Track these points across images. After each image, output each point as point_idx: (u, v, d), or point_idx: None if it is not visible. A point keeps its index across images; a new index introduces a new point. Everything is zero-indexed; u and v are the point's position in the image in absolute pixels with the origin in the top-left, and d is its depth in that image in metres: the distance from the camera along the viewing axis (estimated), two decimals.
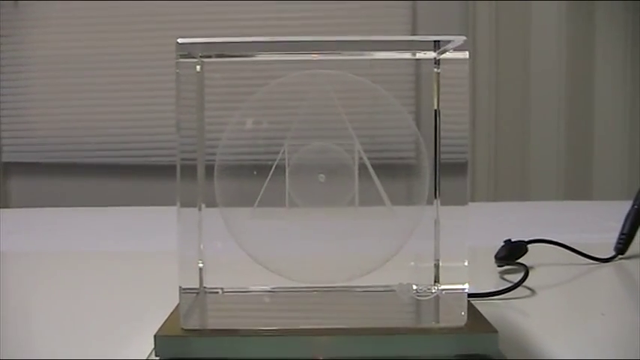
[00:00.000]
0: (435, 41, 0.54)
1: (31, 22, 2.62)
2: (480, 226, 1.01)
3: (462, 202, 0.53)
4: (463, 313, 0.50)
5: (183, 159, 0.52)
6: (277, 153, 0.54)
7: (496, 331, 0.48)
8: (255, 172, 0.54)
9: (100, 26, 2.59)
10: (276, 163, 0.54)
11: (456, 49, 0.53)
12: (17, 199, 2.65)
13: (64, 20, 2.61)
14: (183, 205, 0.52)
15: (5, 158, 2.67)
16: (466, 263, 0.52)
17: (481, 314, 0.52)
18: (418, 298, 0.55)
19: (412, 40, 0.60)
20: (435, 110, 0.56)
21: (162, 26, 2.51)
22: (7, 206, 2.48)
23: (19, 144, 2.67)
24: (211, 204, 0.55)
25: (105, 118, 2.60)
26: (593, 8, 2.51)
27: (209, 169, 0.55)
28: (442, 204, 0.56)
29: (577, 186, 2.56)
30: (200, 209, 0.55)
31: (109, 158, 2.61)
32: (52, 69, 2.62)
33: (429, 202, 0.56)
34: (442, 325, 0.53)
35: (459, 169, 0.53)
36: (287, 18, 2.48)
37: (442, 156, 0.55)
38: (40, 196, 2.55)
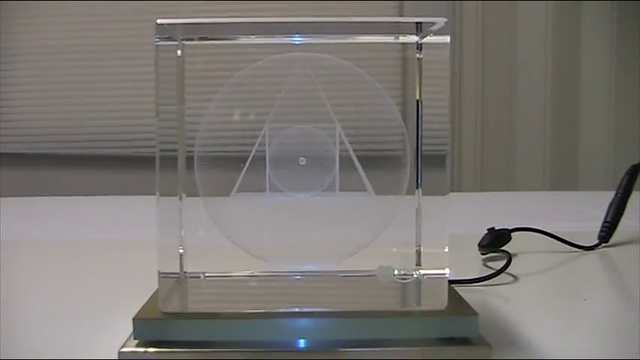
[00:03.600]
0: (417, 24, 0.54)
1: (18, 14, 2.60)
2: (464, 215, 1.01)
3: (443, 193, 0.53)
4: (444, 296, 0.50)
5: (162, 150, 0.52)
6: (257, 136, 0.53)
7: (476, 314, 0.48)
8: (241, 165, 0.54)
9: (85, 17, 2.57)
10: (255, 147, 0.53)
11: (437, 33, 0.53)
12: (3, 189, 2.64)
13: (51, 12, 2.59)
14: (163, 193, 0.52)
15: None
16: (447, 249, 0.52)
17: (462, 298, 0.52)
18: (399, 281, 0.55)
19: (395, 22, 0.59)
20: (417, 100, 0.55)
21: (148, 17, 2.49)
22: None
23: (6, 135, 2.65)
24: (193, 193, 0.55)
25: (91, 110, 2.59)
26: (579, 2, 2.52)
27: (189, 158, 0.54)
28: (424, 194, 0.56)
29: (562, 177, 2.58)
30: (180, 198, 0.55)
31: (95, 149, 2.60)
32: (38, 60, 2.60)
33: (410, 192, 0.56)
34: (423, 308, 0.53)
35: (441, 160, 0.53)
36: (271, 9, 2.47)
37: (424, 147, 0.55)
38: (26, 186, 2.53)
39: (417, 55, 0.55)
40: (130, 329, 0.48)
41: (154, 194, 0.52)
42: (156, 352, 0.47)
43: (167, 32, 0.52)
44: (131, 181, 1.95)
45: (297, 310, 0.49)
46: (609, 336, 0.57)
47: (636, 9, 2.43)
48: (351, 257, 0.55)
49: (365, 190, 0.54)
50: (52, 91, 2.61)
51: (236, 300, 0.57)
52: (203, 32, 0.55)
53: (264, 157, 0.54)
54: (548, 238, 0.88)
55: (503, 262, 0.73)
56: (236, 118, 0.55)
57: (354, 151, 0.54)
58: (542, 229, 0.88)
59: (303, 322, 0.48)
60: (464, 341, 0.48)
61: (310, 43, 0.55)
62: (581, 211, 1.23)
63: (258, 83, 0.55)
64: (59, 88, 2.61)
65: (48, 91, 2.61)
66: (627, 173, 0.92)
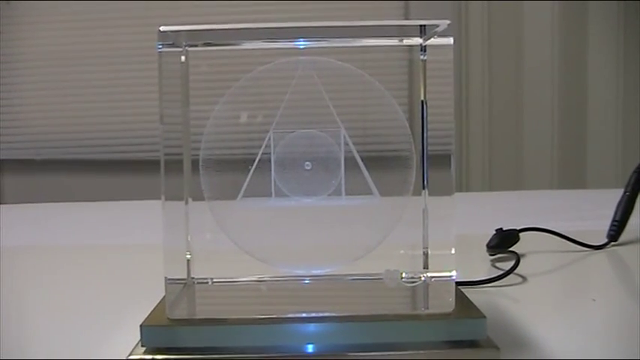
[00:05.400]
0: (421, 26, 0.54)
1: (24, 19, 2.61)
2: (472, 215, 1.01)
3: (449, 193, 0.53)
4: (451, 299, 0.50)
5: (167, 153, 0.52)
6: (262, 140, 0.53)
7: (484, 317, 0.48)
8: (249, 167, 0.53)
9: (90, 22, 2.58)
10: (261, 151, 0.53)
11: (440, 35, 0.52)
12: (9, 195, 2.65)
13: (56, 18, 2.60)
14: (169, 198, 0.52)
15: None
16: (453, 251, 0.52)
17: (470, 301, 0.52)
18: (406, 284, 0.55)
19: (399, 26, 0.59)
20: (422, 101, 0.55)
21: (154, 22, 2.49)
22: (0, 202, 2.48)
23: (11, 141, 2.66)
24: (198, 198, 0.55)
25: (96, 115, 2.59)
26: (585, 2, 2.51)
27: (195, 162, 0.54)
28: (430, 194, 0.56)
29: (571, 175, 2.56)
30: (187, 202, 0.55)
31: (101, 154, 2.61)
32: (44, 66, 2.61)
33: (417, 193, 0.55)
34: (431, 311, 0.53)
35: (447, 160, 0.53)
36: (275, 11, 2.47)
37: (430, 147, 0.55)
38: (33, 192, 2.54)
39: (422, 57, 0.55)
40: (138, 336, 0.48)
41: (160, 199, 0.52)
42: (164, 359, 0.47)
43: (170, 39, 0.52)
44: (137, 186, 1.96)
45: (304, 315, 0.49)
46: (619, 336, 0.57)
47: None
48: (359, 260, 0.55)
49: (371, 192, 0.54)
50: (57, 96, 2.62)
51: (244, 305, 0.57)
52: (206, 38, 0.55)
53: (270, 160, 0.54)
54: (557, 237, 0.87)
55: (511, 263, 0.72)
56: (241, 120, 0.55)
57: (359, 152, 0.54)
58: (550, 228, 0.88)
59: (311, 327, 0.48)
60: (472, 344, 0.48)
61: (314, 47, 0.55)
62: (589, 209, 1.22)
63: (264, 86, 0.55)
64: (64, 93, 2.61)
65: (53, 96, 2.62)
66: (635, 172, 0.91)
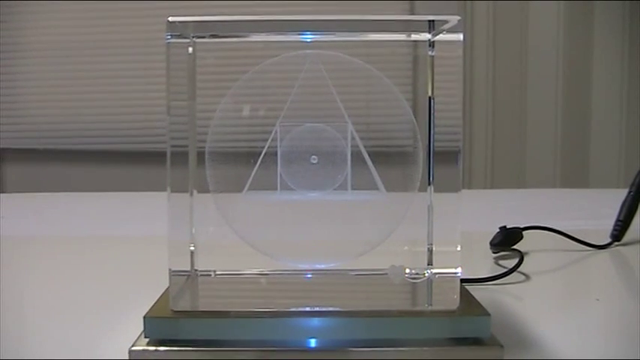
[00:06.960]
0: (429, 22, 0.53)
1: (26, 9, 2.61)
2: (475, 213, 1.01)
3: (456, 189, 0.52)
4: (456, 296, 0.50)
5: (174, 145, 0.52)
6: (269, 134, 0.53)
7: (489, 315, 0.48)
8: (252, 161, 0.53)
9: (94, 12, 2.57)
10: (267, 145, 0.53)
11: (450, 31, 0.52)
12: (11, 185, 2.65)
13: (59, 7, 2.59)
14: (174, 190, 0.52)
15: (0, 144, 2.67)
16: (459, 248, 0.52)
17: (474, 298, 0.52)
18: (410, 280, 0.55)
19: (407, 21, 0.59)
20: (430, 97, 0.55)
21: (159, 12, 2.49)
22: (1, 191, 2.48)
23: (14, 130, 2.66)
24: (203, 190, 0.55)
25: (101, 105, 2.59)
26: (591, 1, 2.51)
27: (200, 155, 0.54)
28: (436, 191, 0.55)
29: (573, 174, 2.56)
30: (191, 194, 0.55)
31: (105, 145, 2.60)
32: (47, 56, 2.61)
33: (422, 189, 0.55)
34: (435, 308, 0.52)
35: (453, 156, 0.53)
36: (283, 5, 2.46)
37: (436, 143, 0.55)
38: (35, 181, 2.54)
39: (430, 53, 0.55)
40: (141, 327, 0.48)
41: (165, 190, 0.52)
42: (166, 350, 0.46)
43: (178, 30, 0.52)
44: (142, 177, 1.96)
45: (308, 309, 0.49)
46: (622, 336, 0.57)
47: None
48: (363, 256, 0.55)
49: (377, 187, 0.54)
50: (60, 86, 2.61)
51: (247, 298, 0.57)
52: (214, 30, 0.55)
53: (276, 153, 0.53)
54: (560, 236, 0.87)
55: (515, 261, 0.72)
56: (248, 113, 0.55)
57: (366, 147, 0.54)
58: (554, 227, 0.88)
59: (314, 321, 0.48)
60: (476, 341, 0.47)
61: (321, 41, 0.54)
62: (593, 209, 1.22)
63: (271, 79, 0.55)
64: (69, 83, 2.61)
65: (57, 86, 2.62)
66: None
